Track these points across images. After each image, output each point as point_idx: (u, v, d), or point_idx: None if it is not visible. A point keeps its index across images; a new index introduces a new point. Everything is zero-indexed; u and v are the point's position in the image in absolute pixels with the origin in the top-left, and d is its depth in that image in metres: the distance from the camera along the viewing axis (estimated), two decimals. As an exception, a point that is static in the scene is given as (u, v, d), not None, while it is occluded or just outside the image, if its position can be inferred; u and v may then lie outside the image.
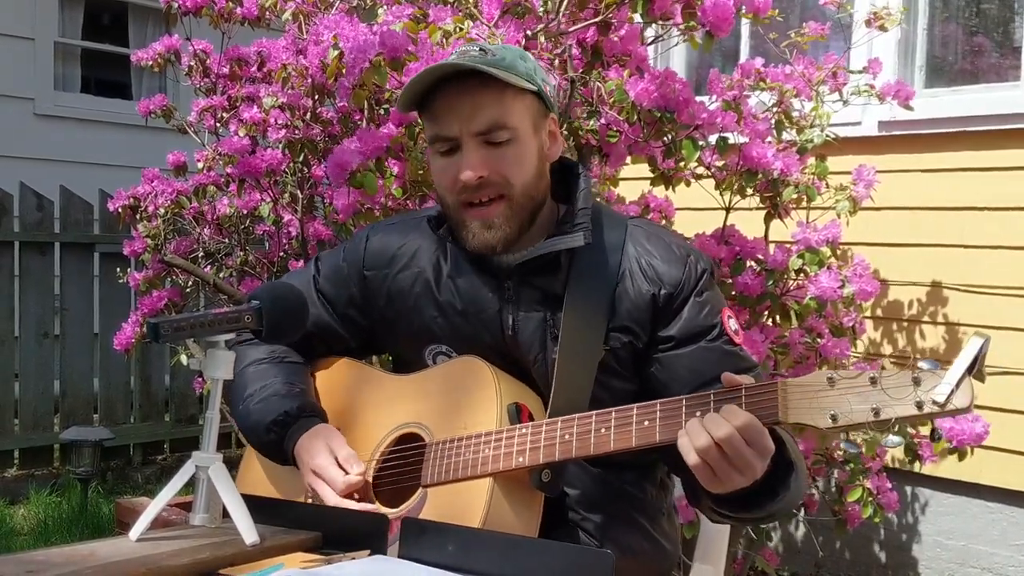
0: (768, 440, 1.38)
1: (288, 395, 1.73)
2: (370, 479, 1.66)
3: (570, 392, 1.61)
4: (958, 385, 1.24)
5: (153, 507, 1.33)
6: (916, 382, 1.27)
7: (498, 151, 1.61)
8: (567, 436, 1.51)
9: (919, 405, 1.26)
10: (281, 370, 1.78)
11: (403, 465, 1.64)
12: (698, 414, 1.41)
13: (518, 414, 1.56)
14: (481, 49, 1.63)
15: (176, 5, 3.27)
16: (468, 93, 1.60)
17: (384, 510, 1.60)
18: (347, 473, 1.61)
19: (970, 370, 1.25)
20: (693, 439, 1.38)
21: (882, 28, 3.15)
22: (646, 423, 1.46)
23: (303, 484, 1.72)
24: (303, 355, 1.83)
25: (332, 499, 1.60)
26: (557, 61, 2.63)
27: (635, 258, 1.67)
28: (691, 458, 1.38)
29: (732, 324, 1.68)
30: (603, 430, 1.49)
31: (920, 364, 1.28)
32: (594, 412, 1.52)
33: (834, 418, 1.31)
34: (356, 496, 1.62)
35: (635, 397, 1.66)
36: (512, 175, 1.62)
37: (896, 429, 1.29)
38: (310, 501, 1.70)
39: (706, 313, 1.65)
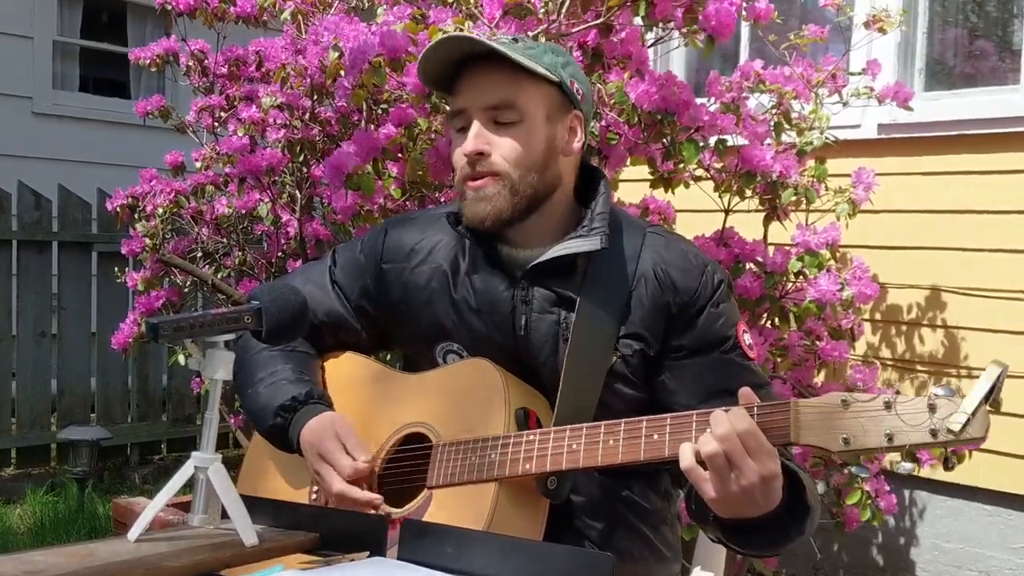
0: (772, 462, 1.35)
1: (297, 381, 1.73)
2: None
3: (577, 397, 1.60)
4: (974, 414, 1.22)
5: (152, 508, 1.32)
6: (931, 409, 1.25)
7: (503, 130, 1.64)
8: (575, 446, 1.50)
9: (934, 433, 1.24)
10: (291, 358, 1.78)
11: (409, 465, 1.64)
12: (708, 429, 1.39)
13: (526, 419, 1.55)
14: (514, 39, 1.67)
15: (171, 6, 3.28)
16: (486, 72, 1.64)
17: (388, 509, 1.60)
18: (354, 460, 1.61)
19: (987, 399, 1.23)
20: (702, 446, 1.36)
21: (881, 31, 3.15)
22: (655, 437, 1.45)
23: (308, 477, 1.71)
24: (313, 347, 1.83)
25: (337, 484, 1.60)
26: (557, 62, 2.63)
27: (651, 265, 1.66)
28: (685, 460, 1.37)
29: (747, 338, 1.67)
30: (611, 441, 1.48)
31: (936, 391, 1.26)
32: (603, 423, 1.50)
33: (846, 441, 1.29)
34: (364, 486, 1.61)
35: (645, 405, 1.66)
36: (512, 157, 1.63)
37: (909, 455, 1.27)
38: (315, 493, 1.70)
39: (721, 324, 1.65)
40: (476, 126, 1.64)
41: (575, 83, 1.69)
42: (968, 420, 1.22)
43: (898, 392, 1.29)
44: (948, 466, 1.31)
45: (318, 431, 1.65)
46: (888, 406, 1.27)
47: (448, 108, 1.74)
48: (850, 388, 1.35)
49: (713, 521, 1.48)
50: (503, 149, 1.63)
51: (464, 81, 1.67)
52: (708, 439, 1.36)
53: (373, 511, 1.60)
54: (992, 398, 1.23)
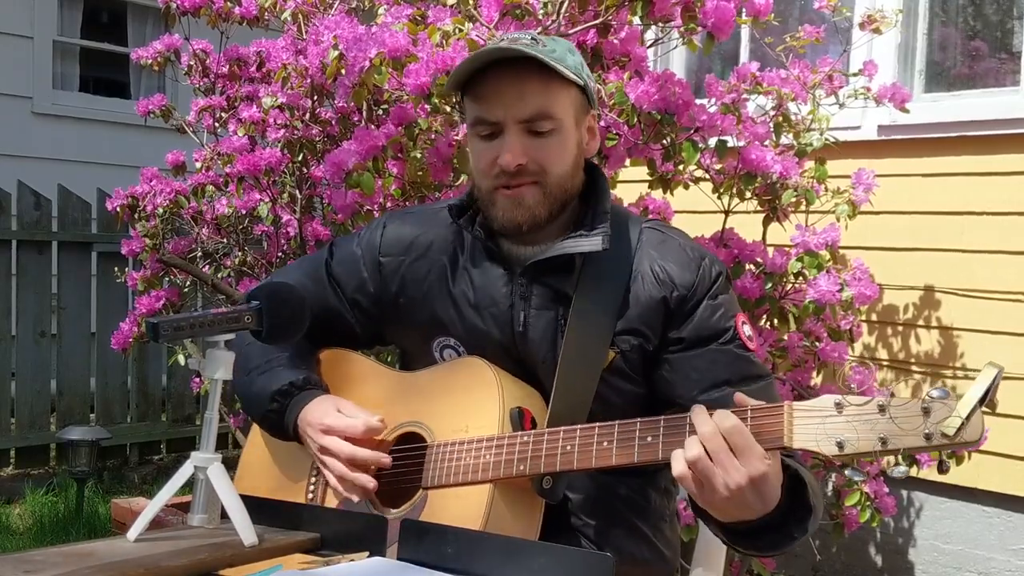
0: (760, 463, 1.33)
1: (293, 368, 1.74)
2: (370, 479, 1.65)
3: (571, 394, 1.60)
4: (969, 418, 1.21)
5: (151, 508, 1.32)
6: (926, 412, 1.23)
7: (540, 141, 1.61)
8: (568, 447, 1.50)
9: (928, 437, 1.23)
10: (288, 347, 1.77)
11: (404, 465, 1.64)
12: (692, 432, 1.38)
13: (520, 419, 1.55)
14: (532, 39, 1.63)
15: (175, 5, 3.28)
16: (516, 79, 1.59)
17: (384, 510, 1.60)
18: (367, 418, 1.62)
19: (982, 401, 1.21)
20: (686, 450, 1.36)
21: (876, 31, 3.15)
22: (649, 439, 1.44)
23: (306, 470, 1.72)
24: (308, 341, 1.82)
25: (346, 450, 1.60)
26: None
27: (648, 262, 1.66)
28: (677, 467, 1.36)
29: (746, 330, 1.66)
30: (605, 444, 1.48)
31: (931, 393, 1.24)
32: (597, 424, 1.50)
33: (840, 446, 1.28)
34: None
35: (644, 400, 1.66)
36: (550, 165, 1.62)
37: (908, 458, 1.26)
38: (313, 485, 1.71)
39: (719, 316, 1.64)
40: (513, 138, 1.60)
41: (591, 82, 1.68)
42: (963, 424, 1.21)
43: (892, 394, 1.27)
44: (942, 469, 1.30)
45: (318, 410, 1.66)
46: (882, 409, 1.26)
47: (453, 109, 1.69)
48: (846, 390, 1.34)
49: (714, 521, 1.47)
50: (541, 159, 1.61)
51: (490, 88, 1.61)
52: (692, 441, 1.35)
53: (374, 484, 1.60)
54: (988, 400, 1.22)
